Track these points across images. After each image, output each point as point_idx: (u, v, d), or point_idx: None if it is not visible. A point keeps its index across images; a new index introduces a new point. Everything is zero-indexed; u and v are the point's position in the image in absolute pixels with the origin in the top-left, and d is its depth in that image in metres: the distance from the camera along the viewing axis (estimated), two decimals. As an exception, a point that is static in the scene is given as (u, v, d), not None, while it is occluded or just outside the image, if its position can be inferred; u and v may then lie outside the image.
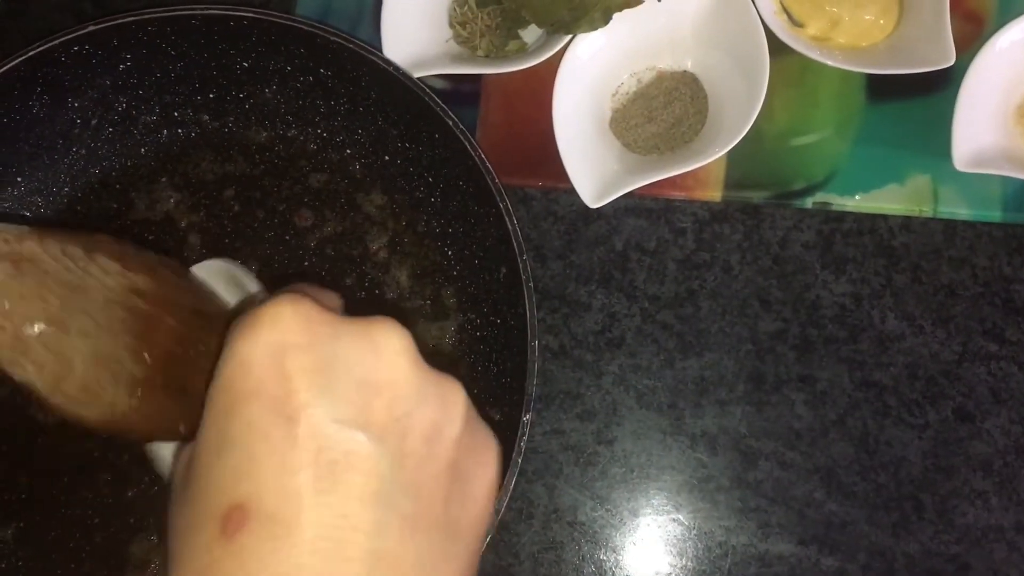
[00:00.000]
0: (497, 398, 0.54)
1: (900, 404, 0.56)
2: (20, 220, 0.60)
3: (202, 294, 0.47)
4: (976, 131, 0.55)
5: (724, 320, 0.58)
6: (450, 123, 0.53)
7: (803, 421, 0.56)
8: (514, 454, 0.49)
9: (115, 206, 0.61)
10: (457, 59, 0.60)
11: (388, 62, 0.54)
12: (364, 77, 0.56)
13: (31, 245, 0.42)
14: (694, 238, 0.59)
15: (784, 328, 0.57)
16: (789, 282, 0.58)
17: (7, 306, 0.40)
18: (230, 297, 0.48)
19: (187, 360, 0.43)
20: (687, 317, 0.58)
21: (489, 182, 0.52)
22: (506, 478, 0.48)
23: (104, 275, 0.42)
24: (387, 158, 0.60)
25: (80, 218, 0.61)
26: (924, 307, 0.57)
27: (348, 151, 0.61)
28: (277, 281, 0.55)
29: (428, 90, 0.54)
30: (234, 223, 0.61)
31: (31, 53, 0.54)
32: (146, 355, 0.42)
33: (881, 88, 0.59)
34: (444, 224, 0.59)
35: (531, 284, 0.51)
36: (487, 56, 0.61)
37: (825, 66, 0.57)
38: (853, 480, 0.55)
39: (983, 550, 0.53)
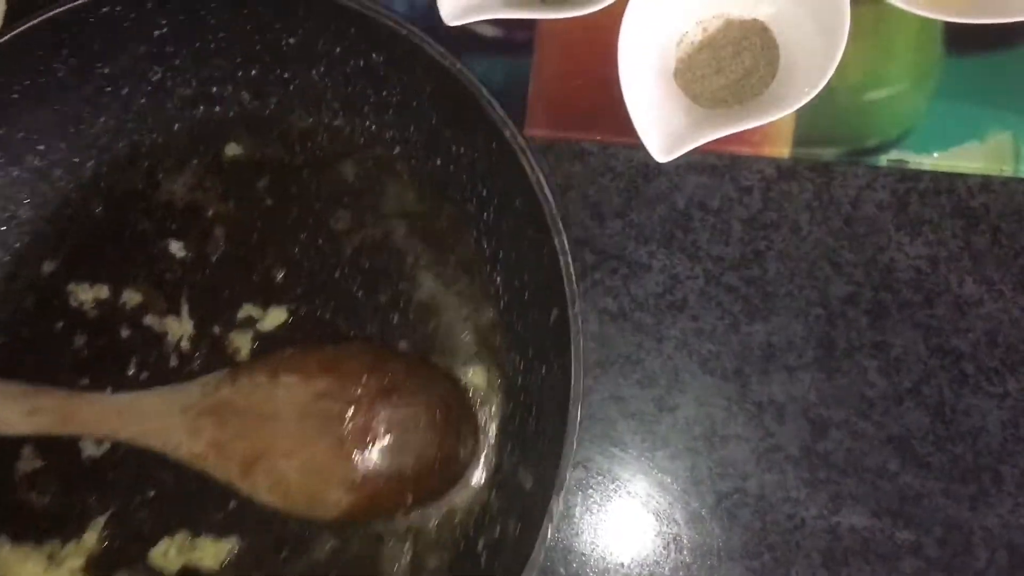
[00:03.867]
0: (531, 461, 0.50)
1: (978, 372, 0.53)
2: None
3: (386, 367, 0.51)
4: (1067, 86, 0.53)
5: (792, 283, 0.55)
6: (507, 134, 0.49)
7: (876, 389, 0.54)
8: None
9: (140, 186, 0.57)
10: (512, 3, 0.57)
11: (445, 55, 0.49)
12: (419, 67, 0.51)
13: (226, 392, 0.50)
14: (761, 196, 0.57)
15: (856, 292, 0.55)
16: (861, 244, 0.55)
17: (225, 452, 0.48)
18: None
19: (389, 444, 0.48)
20: (753, 279, 0.56)
21: (545, 210, 0.48)
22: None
23: (289, 392, 0.48)
24: (439, 162, 0.55)
25: (103, 194, 0.57)
26: (1004, 271, 0.54)
27: (398, 148, 0.56)
28: (305, 292, 0.55)
29: (487, 95, 0.49)
30: (265, 218, 0.56)
31: (56, 12, 0.50)
32: (347, 451, 0.47)
33: (961, 40, 0.56)
34: (494, 246, 0.55)
35: (580, 339, 0.47)
36: (545, 2, 0.57)
37: (902, 15, 0.54)
38: (929, 451, 0.53)
39: (1067, 524, 0.52)
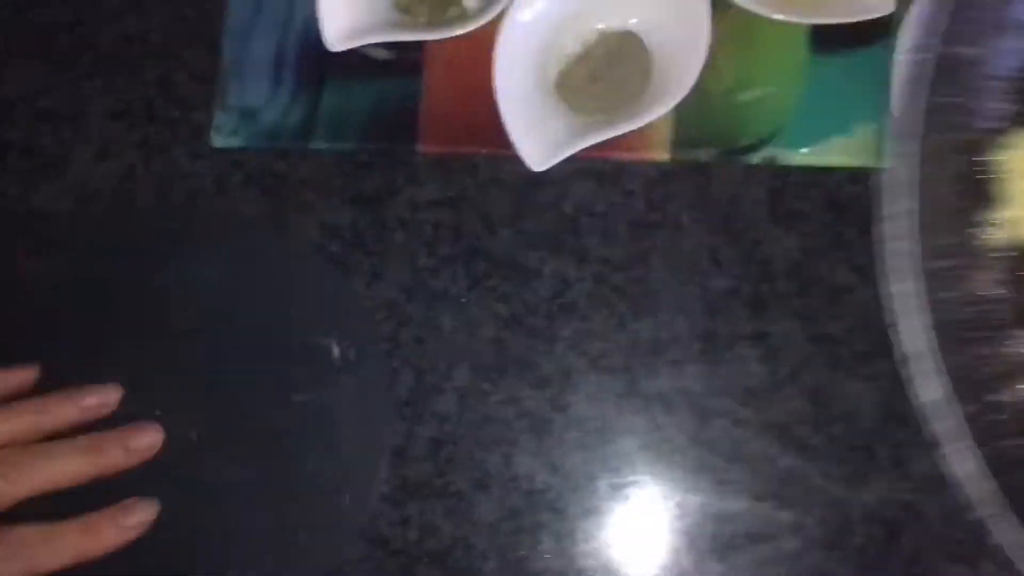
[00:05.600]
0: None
1: (852, 355, 0.55)
2: None
3: None
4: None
5: (676, 279, 0.58)
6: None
7: (756, 378, 0.56)
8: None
9: None
10: (397, 27, 0.60)
11: None
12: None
13: None
14: (644, 199, 0.59)
15: (736, 285, 0.57)
16: (739, 239, 0.58)
17: None
18: None
19: None
20: (639, 279, 0.58)
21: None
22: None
23: None
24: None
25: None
26: (874, 258, 0.56)
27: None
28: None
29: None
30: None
31: None
32: None
33: (825, 40, 0.59)
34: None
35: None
36: (428, 24, 0.60)
37: (768, 19, 0.57)
38: (807, 434, 0.55)
39: (936, 497, 0.53)
